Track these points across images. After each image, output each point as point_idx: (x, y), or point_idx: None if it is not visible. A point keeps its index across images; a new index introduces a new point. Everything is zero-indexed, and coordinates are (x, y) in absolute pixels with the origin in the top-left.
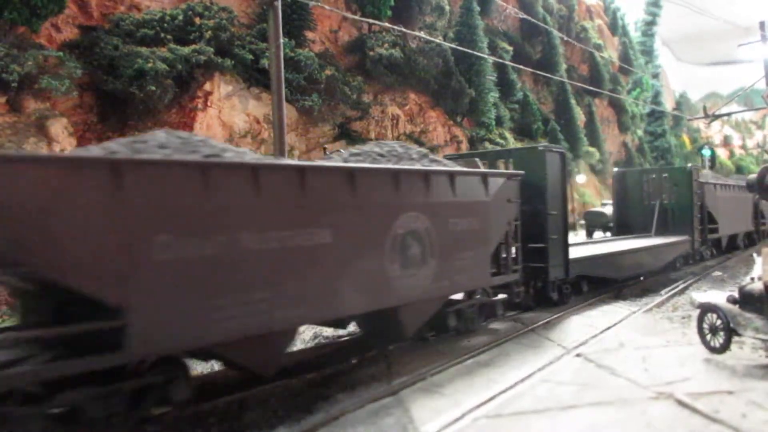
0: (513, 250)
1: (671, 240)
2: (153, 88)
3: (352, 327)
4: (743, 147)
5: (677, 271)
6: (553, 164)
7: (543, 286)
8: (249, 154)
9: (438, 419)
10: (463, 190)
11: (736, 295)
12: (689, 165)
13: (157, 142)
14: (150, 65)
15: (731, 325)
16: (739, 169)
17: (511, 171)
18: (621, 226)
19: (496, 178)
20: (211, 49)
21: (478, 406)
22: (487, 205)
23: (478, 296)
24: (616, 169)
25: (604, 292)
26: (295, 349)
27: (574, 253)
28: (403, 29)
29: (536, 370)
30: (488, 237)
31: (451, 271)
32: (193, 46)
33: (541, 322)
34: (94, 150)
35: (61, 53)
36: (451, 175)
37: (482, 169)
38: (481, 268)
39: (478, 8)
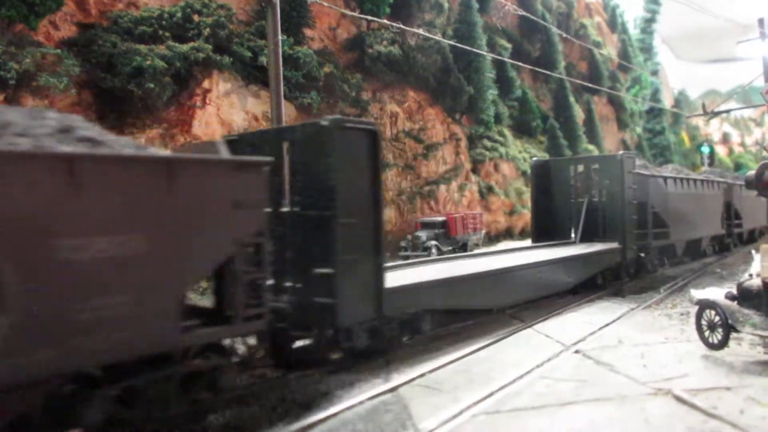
0: (258, 282)
1: (591, 249)
2: (151, 85)
3: None
4: (742, 144)
5: (597, 291)
6: (352, 147)
7: (334, 332)
8: None
9: (437, 415)
10: (98, 188)
11: (734, 291)
12: (621, 153)
13: None
14: (148, 63)
15: (729, 321)
16: (738, 167)
17: (241, 157)
18: (541, 232)
19: (199, 168)
20: (210, 47)
21: (477, 403)
22: (172, 213)
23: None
24: (534, 158)
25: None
26: None
27: (414, 276)
28: (402, 26)
29: (535, 366)
30: (175, 266)
31: (68, 329)
32: (192, 44)
33: (539, 319)
34: None
35: (59, 51)
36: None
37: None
38: (156, 318)
39: (476, 5)
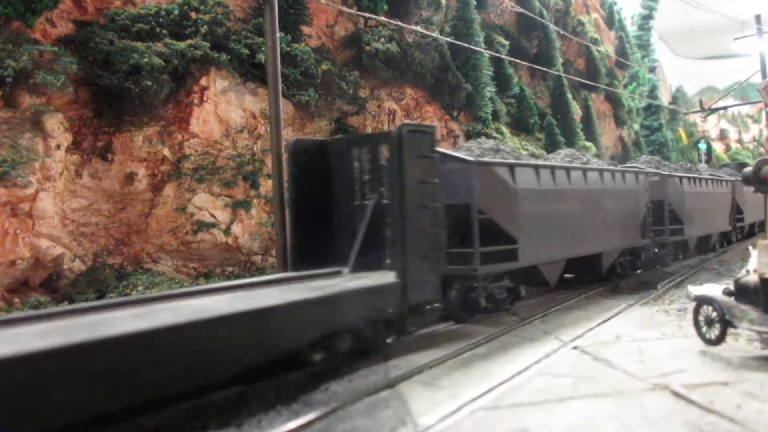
0: None
1: (300, 294)
2: (149, 83)
3: None
4: (739, 141)
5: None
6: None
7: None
8: None
9: (436, 411)
10: None
11: (731, 287)
12: (402, 124)
13: None
14: (146, 60)
15: (727, 317)
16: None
17: None
18: (306, 253)
19: None
20: (207, 44)
21: (476, 399)
22: None
23: None
24: (296, 138)
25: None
26: None
27: None
28: (400, 23)
29: (533, 362)
30: None
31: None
32: (189, 41)
33: (537, 315)
34: None
35: (56, 48)
36: None
37: None
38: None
39: (474, 2)
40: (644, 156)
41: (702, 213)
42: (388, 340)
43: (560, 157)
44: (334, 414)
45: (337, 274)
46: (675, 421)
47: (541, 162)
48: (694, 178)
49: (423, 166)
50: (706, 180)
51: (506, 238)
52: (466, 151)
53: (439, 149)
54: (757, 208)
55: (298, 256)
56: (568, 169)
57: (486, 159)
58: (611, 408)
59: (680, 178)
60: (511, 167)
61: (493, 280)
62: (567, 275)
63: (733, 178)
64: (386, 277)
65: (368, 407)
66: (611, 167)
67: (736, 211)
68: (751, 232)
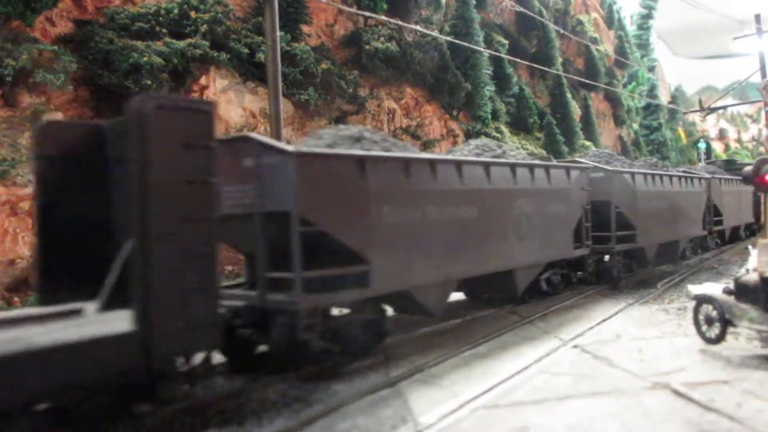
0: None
1: None
2: (149, 82)
3: None
4: (738, 140)
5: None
6: None
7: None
8: None
9: (436, 410)
10: None
11: (731, 286)
12: (149, 97)
13: None
14: (145, 59)
15: (726, 315)
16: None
17: None
18: (61, 280)
19: None
20: (207, 43)
21: (476, 397)
22: None
23: None
24: (48, 121)
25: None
26: None
27: None
28: (400, 22)
29: (533, 361)
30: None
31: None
32: (189, 40)
33: (537, 315)
34: None
35: (55, 47)
36: None
37: None
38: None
39: (473, 1)
40: (594, 149)
41: (664, 216)
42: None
43: (469, 148)
44: (335, 412)
45: (74, 314)
46: (675, 420)
47: (415, 154)
48: (653, 175)
49: (189, 161)
50: (670, 177)
51: (351, 256)
52: (317, 139)
53: (242, 136)
54: (740, 210)
55: (49, 282)
56: (458, 164)
57: (317, 150)
58: (611, 406)
59: (632, 174)
60: (362, 160)
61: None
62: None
63: (708, 176)
64: (114, 323)
65: (369, 406)
66: (530, 161)
67: (713, 213)
68: (734, 237)
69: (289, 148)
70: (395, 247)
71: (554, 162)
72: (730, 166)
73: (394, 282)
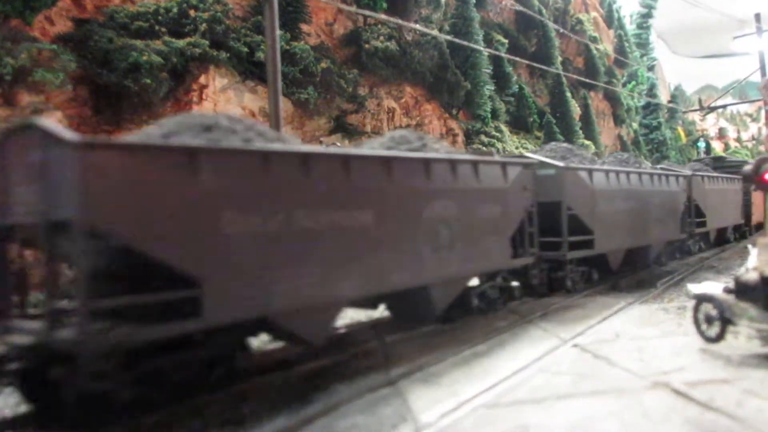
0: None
1: None
2: (148, 81)
3: None
4: (738, 140)
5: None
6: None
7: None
8: None
9: (436, 409)
10: None
11: (731, 285)
12: None
13: None
14: (145, 58)
15: (726, 314)
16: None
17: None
18: None
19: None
20: (206, 42)
21: (476, 396)
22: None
23: None
24: None
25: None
26: None
27: None
28: (399, 21)
29: (533, 360)
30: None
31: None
32: (188, 39)
33: (537, 314)
34: None
35: (54, 46)
36: None
37: None
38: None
39: (473, 0)
40: (553, 143)
41: (631, 218)
42: None
43: (381, 141)
44: (335, 411)
45: None
46: (675, 419)
47: (279, 147)
48: (616, 173)
49: None
50: (640, 175)
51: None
52: (157, 128)
53: None
54: (727, 210)
55: None
56: (345, 158)
57: (113, 140)
58: (611, 406)
59: (589, 172)
60: (192, 153)
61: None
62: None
63: (689, 173)
64: None
65: (369, 404)
66: (450, 156)
67: (695, 214)
68: (721, 240)
69: (72, 137)
70: (243, 264)
71: (495, 157)
72: (719, 163)
73: (244, 308)
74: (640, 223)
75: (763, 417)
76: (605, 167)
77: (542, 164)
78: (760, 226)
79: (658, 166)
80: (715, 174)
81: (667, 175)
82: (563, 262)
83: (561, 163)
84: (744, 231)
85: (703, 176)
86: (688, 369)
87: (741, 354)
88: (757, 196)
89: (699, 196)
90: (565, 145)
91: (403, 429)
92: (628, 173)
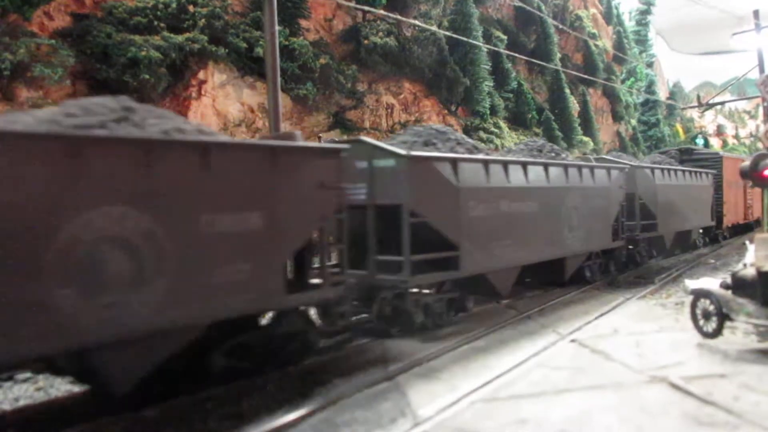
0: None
1: None
2: (146, 76)
3: None
4: (736, 137)
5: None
6: None
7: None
8: None
9: (435, 403)
10: None
11: (728, 280)
12: None
13: None
14: (143, 53)
15: (724, 310)
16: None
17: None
18: None
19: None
20: (205, 38)
21: (475, 390)
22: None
23: None
24: None
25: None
26: None
27: None
28: (398, 17)
29: (531, 355)
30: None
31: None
32: (187, 35)
33: (535, 309)
34: None
35: (53, 41)
36: None
37: None
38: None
39: None
40: (420, 126)
41: (531, 225)
42: None
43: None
44: (334, 406)
45: None
46: (673, 413)
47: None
48: (502, 163)
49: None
50: (546, 168)
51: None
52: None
53: None
54: (692, 210)
55: None
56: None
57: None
58: (609, 400)
59: (452, 161)
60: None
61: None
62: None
63: (629, 165)
64: None
65: (367, 399)
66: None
67: (639, 215)
68: (683, 245)
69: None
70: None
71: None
72: (687, 155)
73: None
74: (546, 230)
75: (759, 411)
76: (480, 156)
77: (375, 151)
78: (738, 228)
79: (596, 157)
80: (673, 167)
81: (592, 169)
82: (401, 290)
83: (402, 150)
84: (716, 234)
85: (653, 169)
86: (685, 364)
87: (738, 349)
88: (728, 193)
89: (647, 194)
90: (434, 125)
91: (402, 423)
92: (524, 164)
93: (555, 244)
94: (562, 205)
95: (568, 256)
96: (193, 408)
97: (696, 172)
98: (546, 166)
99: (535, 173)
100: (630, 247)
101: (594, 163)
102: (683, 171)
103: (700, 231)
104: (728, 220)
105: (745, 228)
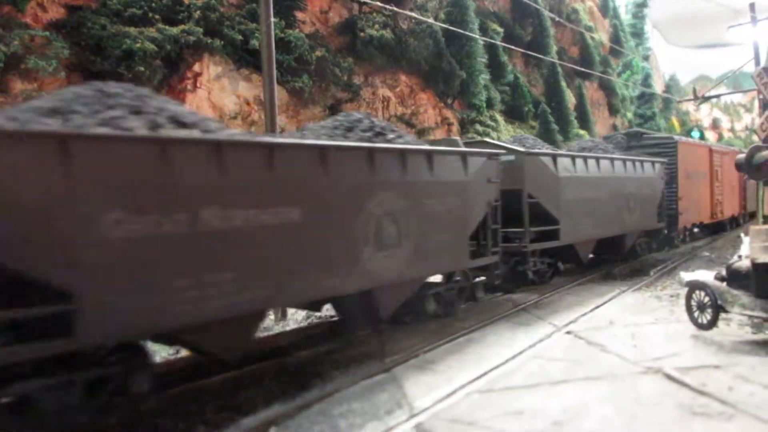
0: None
1: None
2: (141, 68)
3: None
4: (731, 130)
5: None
6: None
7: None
8: None
9: (431, 395)
10: None
11: (723, 273)
12: None
13: None
14: (138, 45)
15: (719, 302)
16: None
17: None
18: None
19: None
20: (200, 30)
21: (471, 382)
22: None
23: None
24: None
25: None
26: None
27: None
28: (395, 9)
29: (527, 347)
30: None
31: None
32: (182, 27)
33: (531, 301)
34: None
35: (47, 33)
36: None
37: None
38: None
39: None
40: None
41: (316, 246)
42: None
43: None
44: (331, 397)
45: None
46: (668, 403)
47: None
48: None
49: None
50: (322, 151)
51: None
52: None
53: None
54: (625, 209)
55: None
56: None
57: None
58: (605, 391)
59: (554, 156)
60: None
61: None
62: None
63: (520, 149)
64: None
65: (364, 390)
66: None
67: (534, 219)
68: (610, 252)
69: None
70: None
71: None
72: (636, 140)
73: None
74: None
75: (753, 401)
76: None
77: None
78: (705, 230)
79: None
80: (592, 155)
81: (429, 155)
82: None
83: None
84: (671, 238)
85: (554, 157)
86: (680, 355)
87: (733, 340)
88: (687, 187)
89: (543, 189)
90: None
91: (399, 414)
92: (281, 148)
93: (362, 274)
94: (397, 207)
95: (409, 281)
96: (189, 400)
97: (635, 161)
98: (322, 150)
99: (305, 164)
100: (508, 262)
101: (434, 147)
102: (611, 160)
103: (642, 235)
104: (687, 220)
105: (718, 228)
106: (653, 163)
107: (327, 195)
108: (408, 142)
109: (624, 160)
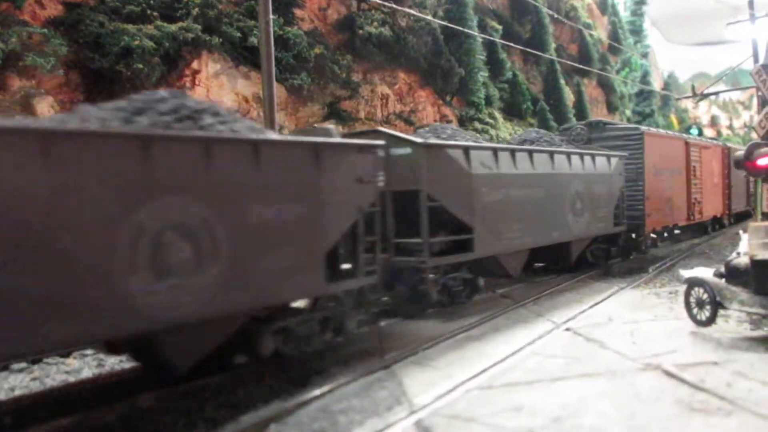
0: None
1: None
2: (140, 66)
3: None
4: (730, 127)
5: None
6: None
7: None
8: None
9: (431, 391)
10: None
11: (722, 269)
12: None
13: None
14: (136, 43)
15: (717, 298)
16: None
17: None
18: None
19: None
20: (199, 27)
21: (470, 379)
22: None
23: None
24: None
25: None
26: None
27: None
28: (394, 6)
29: (526, 343)
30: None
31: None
32: (180, 24)
33: (530, 298)
34: None
35: (45, 30)
36: None
37: None
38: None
39: None
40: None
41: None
42: None
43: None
44: (330, 394)
45: None
46: (666, 399)
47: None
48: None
49: None
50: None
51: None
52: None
53: None
54: (570, 212)
55: None
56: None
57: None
58: (603, 387)
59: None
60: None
61: None
62: None
63: (416, 140)
64: None
65: (363, 387)
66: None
67: (429, 227)
68: (551, 263)
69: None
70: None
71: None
72: (598, 132)
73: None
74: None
75: (752, 398)
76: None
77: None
78: (682, 232)
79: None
80: (523, 148)
81: (255, 146)
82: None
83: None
84: (638, 243)
85: (466, 149)
86: (679, 351)
87: (731, 337)
88: (655, 184)
89: (449, 191)
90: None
91: (398, 411)
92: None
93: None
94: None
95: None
96: (189, 397)
97: (584, 154)
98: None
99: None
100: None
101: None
102: (550, 153)
103: (596, 241)
104: (656, 222)
105: (696, 230)
106: (608, 157)
107: (49, 202)
108: (237, 131)
109: (568, 154)
